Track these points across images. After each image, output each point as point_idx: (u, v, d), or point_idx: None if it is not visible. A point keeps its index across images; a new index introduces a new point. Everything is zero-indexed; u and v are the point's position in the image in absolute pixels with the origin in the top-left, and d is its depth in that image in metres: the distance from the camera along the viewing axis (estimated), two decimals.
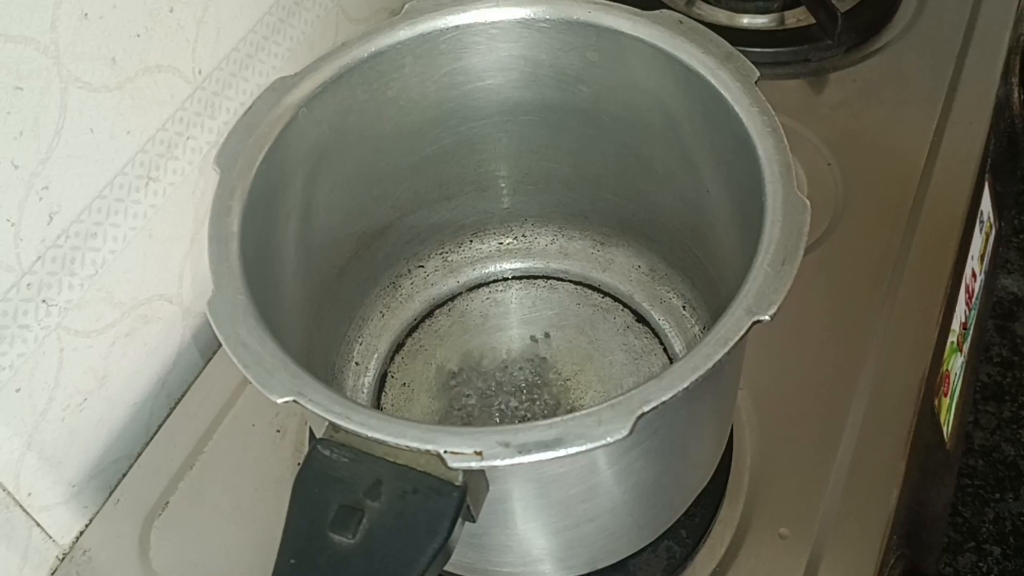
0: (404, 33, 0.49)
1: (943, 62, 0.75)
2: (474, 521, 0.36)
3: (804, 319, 0.59)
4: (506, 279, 0.62)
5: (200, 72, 0.58)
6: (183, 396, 0.62)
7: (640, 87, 0.50)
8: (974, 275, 0.71)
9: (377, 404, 0.57)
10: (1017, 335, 1.34)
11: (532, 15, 0.50)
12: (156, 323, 0.60)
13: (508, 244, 0.62)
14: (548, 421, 0.34)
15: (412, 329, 0.60)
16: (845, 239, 0.64)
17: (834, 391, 0.57)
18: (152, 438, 0.60)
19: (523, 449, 0.34)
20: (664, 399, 0.35)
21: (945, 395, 0.65)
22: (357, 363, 0.58)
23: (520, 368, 0.58)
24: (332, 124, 0.49)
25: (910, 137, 0.70)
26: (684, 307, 0.58)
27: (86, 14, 0.49)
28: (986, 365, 1.30)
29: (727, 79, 0.45)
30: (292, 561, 0.34)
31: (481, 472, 0.36)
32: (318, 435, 0.36)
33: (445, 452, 0.34)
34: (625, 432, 0.34)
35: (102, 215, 0.53)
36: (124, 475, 0.59)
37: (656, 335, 0.59)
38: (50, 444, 0.53)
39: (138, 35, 0.52)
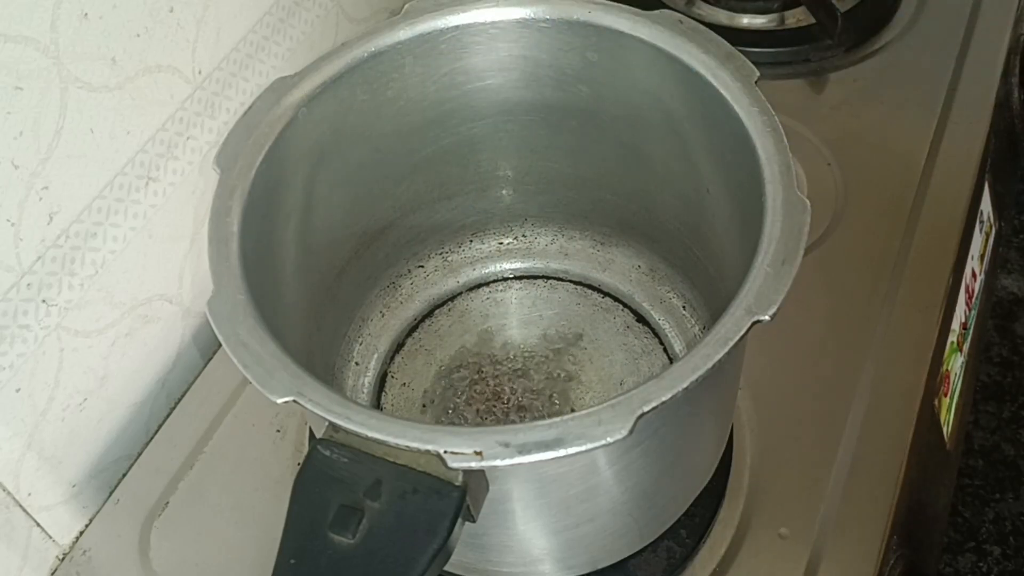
0: (404, 33, 0.49)
1: (943, 62, 0.75)
2: (474, 521, 0.36)
3: (804, 319, 0.59)
4: (506, 279, 0.62)
5: (200, 72, 0.58)
6: (183, 396, 0.62)
7: (640, 87, 0.50)
8: (974, 275, 0.71)
9: (377, 404, 0.57)
10: (1017, 335, 1.34)
11: (532, 15, 0.50)
12: (156, 323, 0.60)
13: (508, 244, 0.62)
14: (548, 421, 0.34)
15: (412, 329, 0.60)
16: (845, 239, 0.64)
17: (834, 391, 0.57)
18: (152, 438, 0.60)
19: (523, 449, 0.34)
20: (664, 399, 0.35)
21: (945, 395, 0.65)
22: (357, 363, 0.58)
23: (520, 368, 0.58)
24: (332, 124, 0.49)
25: (910, 137, 0.70)
26: (684, 307, 0.58)
27: (86, 14, 0.49)
28: (986, 365, 1.30)
29: (727, 79, 0.45)
30: (292, 561, 0.34)
31: (481, 472, 0.36)
32: (318, 435, 0.36)
33: (445, 452, 0.34)
34: (625, 432, 0.34)
35: (102, 215, 0.53)
36: (124, 475, 0.59)
37: (656, 335, 0.59)
38: (50, 444, 0.53)
39: (138, 35, 0.52)
